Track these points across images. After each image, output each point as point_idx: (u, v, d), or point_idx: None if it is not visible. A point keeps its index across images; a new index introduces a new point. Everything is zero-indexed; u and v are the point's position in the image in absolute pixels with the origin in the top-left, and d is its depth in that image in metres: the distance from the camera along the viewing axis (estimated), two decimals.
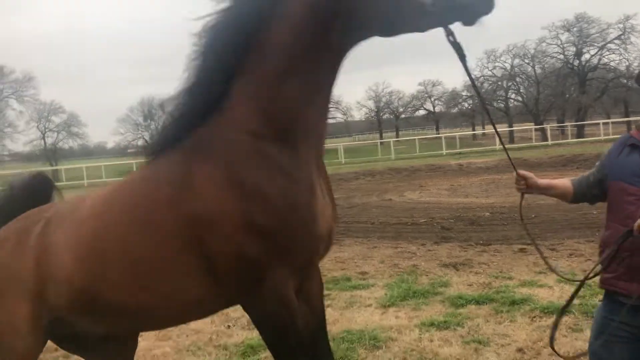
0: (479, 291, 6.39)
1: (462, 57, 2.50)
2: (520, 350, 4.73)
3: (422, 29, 2.42)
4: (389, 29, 2.45)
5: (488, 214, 12.42)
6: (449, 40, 2.43)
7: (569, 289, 6.20)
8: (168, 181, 2.46)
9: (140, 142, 63.71)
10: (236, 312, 5.96)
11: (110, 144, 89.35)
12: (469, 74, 2.67)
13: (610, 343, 2.75)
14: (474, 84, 2.90)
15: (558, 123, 54.14)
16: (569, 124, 50.61)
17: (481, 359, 4.64)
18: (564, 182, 3.02)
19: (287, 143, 2.42)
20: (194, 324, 5.99)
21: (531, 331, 5.11)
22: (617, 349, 2.73)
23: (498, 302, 5.92)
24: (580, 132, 48.21)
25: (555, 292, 6.16)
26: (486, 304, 5.93)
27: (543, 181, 2.97)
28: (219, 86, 2.44)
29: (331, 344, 5.03)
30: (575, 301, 5.72)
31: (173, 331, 5.74)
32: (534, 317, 5.47)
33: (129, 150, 66.02)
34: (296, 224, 2.39)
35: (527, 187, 2.93)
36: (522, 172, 2.93)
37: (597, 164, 2.93)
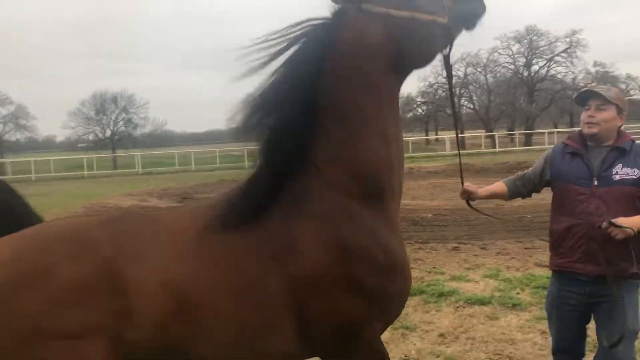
0: (412, 284, 6.86)
1: (450, 77, 2.73)
2: (441, 335, 5.22)
3: (444, 47, 2.59)
4: (428, 59, 2.61)
5: (430, 215, 13.01)
6: (446, 60, 2.62)
7: (493, 283, 6.80)
8: (267, 239, 2.33)
9: (91, 137, 62.43)
10: None
11: (60, 138, 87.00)
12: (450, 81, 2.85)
13: (563, 308, 3.37)
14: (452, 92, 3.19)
15: (508, 131, 55.99)
16: (517, 132, 52.44)
17: (406, 342, 5.10)
18: (500, 185, 3.63)
19: (380, 202, 2.47)
20: None
21: (453, 319, 5.62)
22: (567, 312, 3.36)
23: (428, 294, 6.43)
24: (528, 141, 50.01)
25: (479, 286, 6.71)
26: (417, 295, 6.42)
27: (482, 191, 3.54)
28: (300, 145, 2.39)
29: None
30: (495, 293, 6.31)
31: None
32: (458, 307, 5.98)
33: (79, 145, 64.49)
34: (398, 284, 2.44)
35: (470, 198, 3.50)
36: (466, 186, 3.44)
37: (535, 167, 3.51)
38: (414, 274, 7.44)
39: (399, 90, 2.61)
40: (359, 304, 2.35)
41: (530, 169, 3.56)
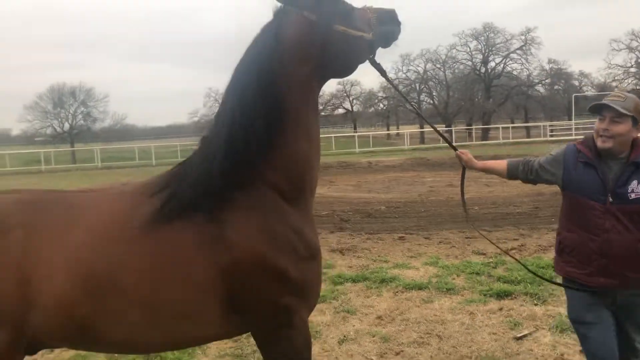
0: (357, 272, 7.33)
1: (383, 73, 2.99)
2: (379, 317, 5.67)
3: (365, 59, 2.87)
4: (350, 70, 2.87)
5: (384, 208, 13.49)
6: (373, 62, 2.89)
7: (432, 270, 7.29)
8: (196, 227, 2.45)
9: (49, 131, 61.05)
10: None
11: (15, 132, 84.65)
12: (391, 83, 3.29)
13: (598, 310, 3.22)
14: (397, 88, 3.63)
15: (467, 126, 57.25)
16: (474, 127, 53.75)
17: (346, 324, 5.53)
18: (500, 163, 3.61)
19: (302, 198, 2.71)
20: None
21: (391, 303, 6.08)
22: (603, 313, 3.21)
23: (371, 280, 6.88)
24: (485, 135, 51.31)
25: (419, 272, 7.20)
26: (361, 281, 6.87)
27: (479, 164, 3.62)
28: (239, 145, 2.56)
29: None
30: (433, 279, 6.80)
31: None
32: (397, 292, 6.45)
33: (36, 139, 62.97)
34: (315, 273, 2.70)
35: (466, 165, 3.59)
36: (460, 152, 3.59)
37: (544, 162, 3.38)
38: (361, 262, 7.91)
39: (318, 95, 2.87)
40: (284, 291, 2.55)
41: (538, 159, 3.46)
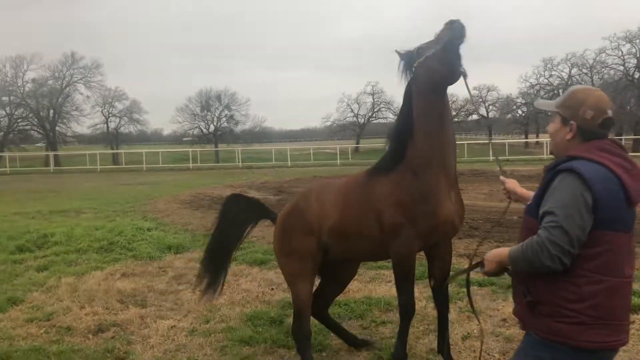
0: (484, 277, 7.40)
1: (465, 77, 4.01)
2: (503, 320, 5.82)
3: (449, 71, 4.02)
4: (440, 81, 4.12)
5: (516, 217, 13.20)
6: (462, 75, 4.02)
7: None
8: (369, 188, 4.46)
9: (196, 132, 66.10)
10: (279, 278, 7.26)
11: (166, 131, 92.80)
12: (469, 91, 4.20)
13: None
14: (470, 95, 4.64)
15: (616, 136, 53.08)
16: (624, 137, 49.69)
17: (470, 323, 5.75)
18: None
19: (426, 170, 4.22)
20: (244, 285, 7.36)
21: None
22: None
23: (497, 285, 7.00)
24: (636, 146, 47.34)
25: None
26: (487, 286, 7.00)
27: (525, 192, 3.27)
28: (400, 145, 4.36)
29: (353, 305, 6.26)
30: None
31: (227, 289, 6.99)
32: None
33: (184, 139, 68.49)
34: (423, 210, 4.21)
35: (508, 194, 3.36)
36: (503, 179, 3.41)
37: None
38: None
39: (439, 101, 4.18)
40: (400, 213, 4.25)
41: None
